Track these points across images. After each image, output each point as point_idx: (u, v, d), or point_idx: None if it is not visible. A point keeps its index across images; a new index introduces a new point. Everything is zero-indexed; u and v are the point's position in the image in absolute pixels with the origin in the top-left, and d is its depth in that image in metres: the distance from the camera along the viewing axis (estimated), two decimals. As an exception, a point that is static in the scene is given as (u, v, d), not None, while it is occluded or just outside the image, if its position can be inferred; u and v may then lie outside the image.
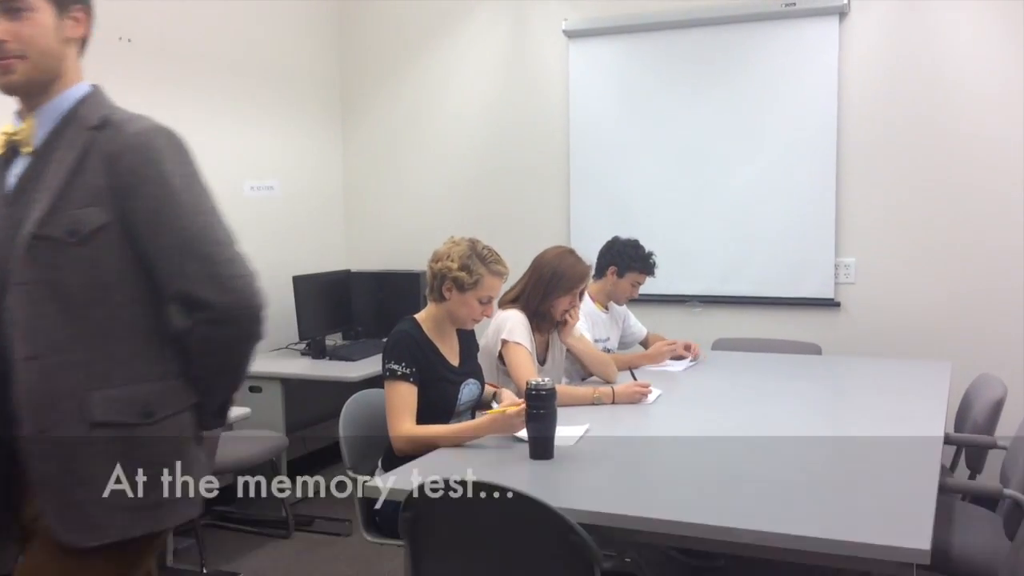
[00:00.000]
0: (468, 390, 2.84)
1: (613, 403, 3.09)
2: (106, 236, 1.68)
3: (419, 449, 2.57)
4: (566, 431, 2.59)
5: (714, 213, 4.64)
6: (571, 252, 3.36)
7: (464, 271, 2.71)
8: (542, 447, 2.45)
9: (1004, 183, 4.14)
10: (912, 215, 4.31)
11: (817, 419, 2.91)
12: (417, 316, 2.82)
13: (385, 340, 2.78)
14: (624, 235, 3.96)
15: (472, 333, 2.98)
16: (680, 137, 4.68)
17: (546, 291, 3.24)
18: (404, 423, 2.61)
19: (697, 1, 4.57)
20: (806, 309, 4.53)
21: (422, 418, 2.67)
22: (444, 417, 2.72)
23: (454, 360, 2.83)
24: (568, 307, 3.29)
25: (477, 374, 2.91)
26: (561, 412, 2.49)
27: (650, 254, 3.83)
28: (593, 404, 3.07)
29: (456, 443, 2.58)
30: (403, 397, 2.64)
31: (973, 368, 3.91)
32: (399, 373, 2.65)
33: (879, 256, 4.39)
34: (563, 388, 3.08)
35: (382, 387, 3.14)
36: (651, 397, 3.16)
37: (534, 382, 2.45)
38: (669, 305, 4.76)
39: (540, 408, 2.43)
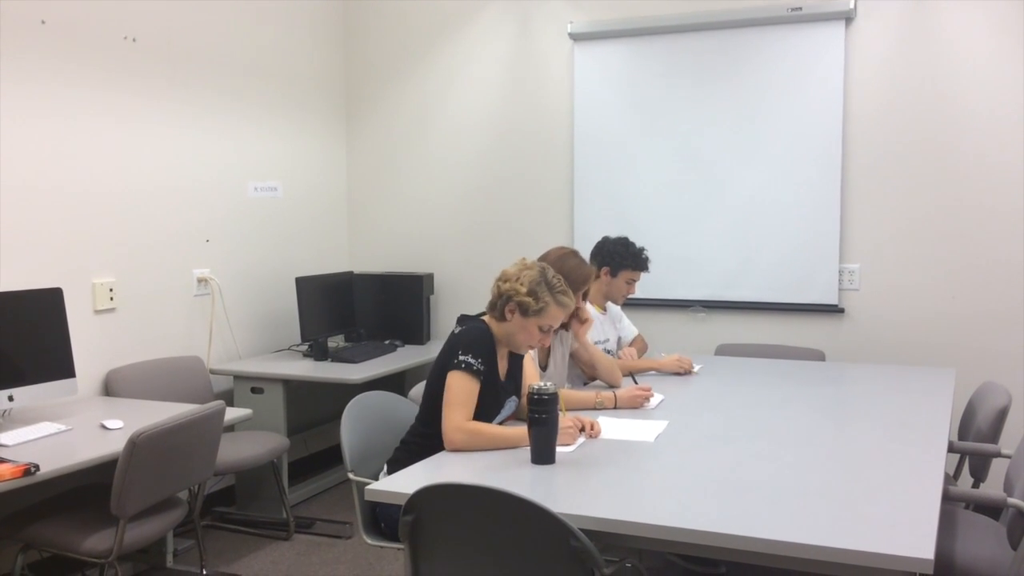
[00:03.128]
0: (508, 406, 2.85)
1: (615, 408, 3.09)
2: None
3: (471, 445, 2.56)
4: (643, 429, 2.76)
5: (718, 218, 4.63)
6: (574, 253, 3.34)
7: (531, 296, 2.68)
8: (544, 452, 2.44)
9: (1010, 191, 4.13)
10: (917, 221, 4.30)
11: (820, 426, 2.89)
12: (487, 321, 2.79)
13: (461, 330, 2.74)
14: (629, 239, 3.94)
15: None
16: (685, 142, 4.67)
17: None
18: (462, 415, 2.58)
19: (703, 5, 4.56)
20: (810, 315, 4.52)
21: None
22: (486, 419, 2.70)
23: (503, 374, 2.81)
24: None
25: (518, 392, 2.91)
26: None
27: (641, 250, 3.82)
28: (595, 409, 3.07)
29: (509, 447, 2.57)
30: (467, 391, 2.61)
31: (977, 376, 3.90)
32: (474, 368, 2.62)
33: (884, 262, 4.38)
34: (566, 392, 3.08)
35: (385, 388, 3.15)
36: (653, 402, 3.16)
37: (536, 387, 2.45)
38: (673, 310, 4.75)
39: (542, 413, 2.42)
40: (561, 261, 3.25)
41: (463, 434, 2.57)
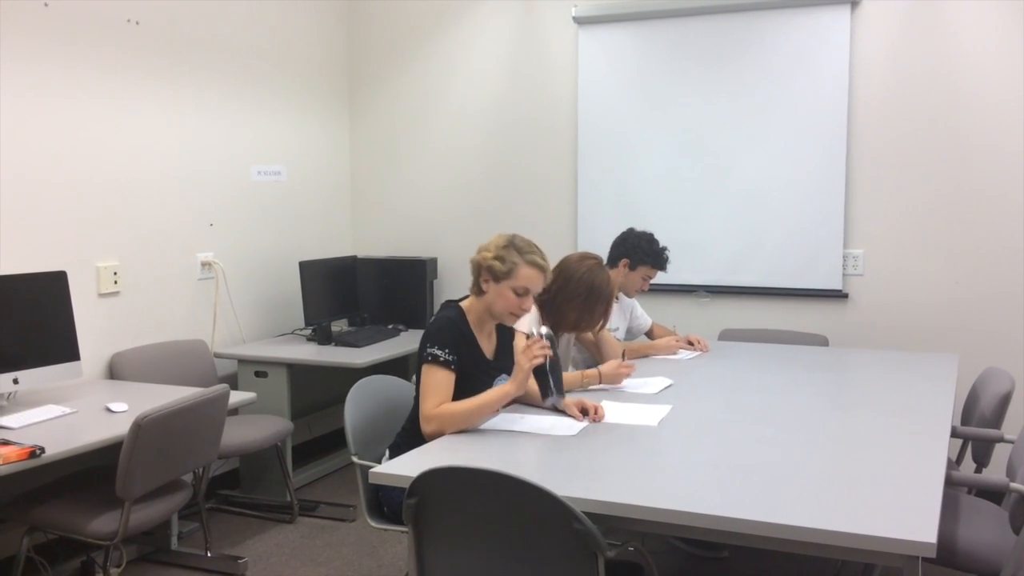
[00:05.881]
0: (500, 385, 2.83)
1: (600, 383, 3.13)
2: None
3: (445, 428, 2.57)
4: (647, 413, 2.79)
5: (722, 203, 4.62)
6: (601, 266, 3.29)
7: (498, 260, 2.70)
8: (552, 387, 2.61)
9: (1015, 177, 4.11)
10: (921, 207, 4.29)
11: (823, 410, 2.89)
12: (462, 304, 2.80)
13: (429, 323, 2.75)
14: (631, 224, 3.96)
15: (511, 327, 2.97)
16: (689, 126, 4.66)
17: (581, 307, 3.20)
18: (430, 404, 2.59)
19: (708, -11, 4.54)
20: (814, 300, 4.51)
21: (454, 397, 2.66)
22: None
23: (489, 354, 2.81)
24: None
25: (510, 369, 2.89)
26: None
27: (664, 249, 3.83)
28: (583, 388, 3.09)
29: (480, 415, 2.61)
30: (439, 382, 2.62)
31: (981, 361, 3.91)
32: (441, 359, 2.62)
33: (888, 248, 4.37)
34: None
35: (388, 372, 3.16)
36: (658, 386, 3.18)
37: (533, 331, 2.57)
38: (677, 295, 4.75)
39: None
40: (592, 274, 3.22)
41: (432, 423, 2.58)
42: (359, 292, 5.06)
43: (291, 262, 4.85)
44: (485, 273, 2.71)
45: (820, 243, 4.45)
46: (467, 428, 2.59)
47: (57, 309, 3.31)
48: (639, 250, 3.80)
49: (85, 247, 3.78)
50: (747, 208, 4.58)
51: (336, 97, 5.39)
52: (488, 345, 2.81)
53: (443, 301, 2.89)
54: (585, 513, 1.96)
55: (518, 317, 2.82)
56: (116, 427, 2.90)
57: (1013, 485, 2.48)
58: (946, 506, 2.02)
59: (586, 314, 3.21)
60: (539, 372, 2.61)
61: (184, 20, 4.24)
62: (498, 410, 2.71)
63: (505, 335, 2.90)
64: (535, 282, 2.73)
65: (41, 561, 3.32)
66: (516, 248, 2.72)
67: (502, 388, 2.61)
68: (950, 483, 2.57)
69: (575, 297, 3.18)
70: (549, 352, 2.59)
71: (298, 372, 4.43)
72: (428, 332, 2.70)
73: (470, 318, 2.77)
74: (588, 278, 3.20)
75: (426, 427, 2.58)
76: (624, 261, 3.81)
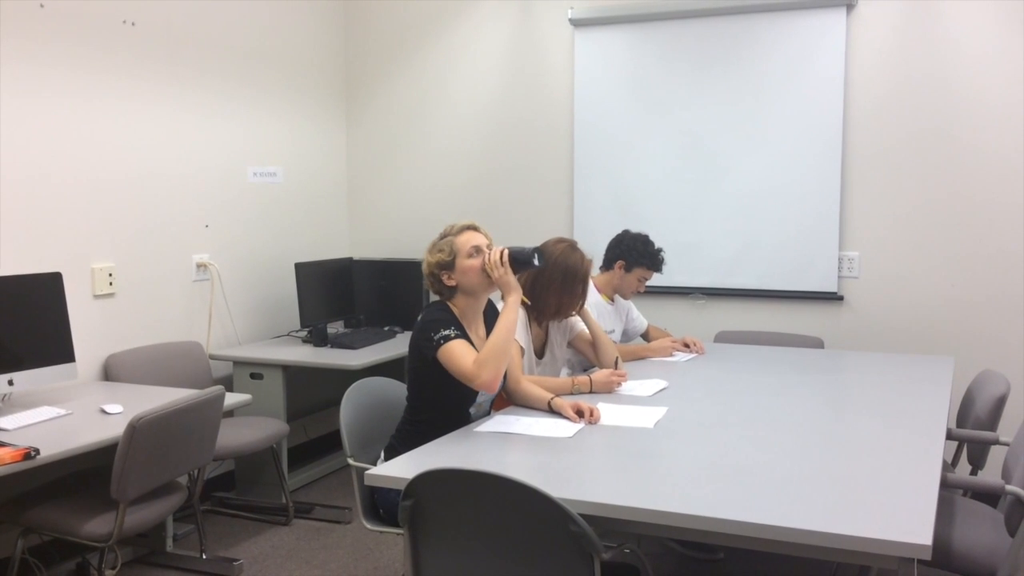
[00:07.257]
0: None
1: (591, 392, 3.11)
2: None
3: (495, 368, 2.59)
4: (642, 416, 2.78)
5: (718, 205, 4.63)
6: (573, 247, 3.32)
7: (440, 253, 2.78)
8: (526, 261, 2.75)
9: (1011, 179, 4.12)
10: (917, 209, 4.30)
11: (819, 413, 2.90)
12: (447, 303, 2.84)
13: (419, 319, 2.77)
14: (627, 226, 3.97)
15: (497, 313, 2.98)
16: (685, 128, 4.66)
17: (560, 290, 3.23)
18: (469, 364, 2.61)
19: (704, -9, 4.55)
20: (809, 303, 4.52)
21: (447, 395, 2.69)
22: (467, 397, 2.72)
23: (480, 346, 2.82)
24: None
25: None
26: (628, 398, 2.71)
27: (659, 251, 3.83)
28: (573, 394, 3.07)
29: (511, 334, 2.66)
30: (463, 350, 2.64)
31: (976, 364, 3.91)
32: (452, 336, 2.66)
33: (883, 250, 4.37)
34: (543, 379, 3.09)
35: (384, 374, 3.15)
36: (654, 388, 3.17)
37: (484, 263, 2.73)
38: (673, 297, 4.75)
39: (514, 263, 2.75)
40: (565, 257, 3.25)
41: (481, 371, 2.59)
42: (355, 294, 5.06)
43: (287, 264, 4.85)
44: (440, 272, 2.79)
45: (816, 245, 4.45)
46: (507, 355, 2.65)
47: (52, 310, 3.30)
48: (634, 252, 3.81)
49: (80, 248, 3.77)
50: (743, 210, 4.58)
51: (332, 98, 5.38)
52: (478, 339, 2.83)
53: (426, 305, 2.91)
54: (581, 515, 1.96)
55: (492, 268, 2.79)
56: (111, 429, 2.89)
57: (1008, 487, 2.49)
58: (941, 508, 2.03)
59: (566, 296, 3.24)
60: (514, 264, 2.73)
61: (180, 21, 4.24)
62: (492, 413, 2.72)
63: (491, 326, 2.91)
64: (476, 239, 2.80)
65: (36, 563, 3.31)
66: (442, 236, 2.83)
67: (508, 302, 2.71)
68: (945, 485, 2.57)
69: (552, 282, 3.22)
70: (499, 248, 2.74)
71: (294, 374, 4.42)
72: (427, 322, 2.71)
73: (456, 313, 2.80)
74: (562, 261, 3.24)
75: (478, 379, 2.59)
76: (620, 263, 3.82)
